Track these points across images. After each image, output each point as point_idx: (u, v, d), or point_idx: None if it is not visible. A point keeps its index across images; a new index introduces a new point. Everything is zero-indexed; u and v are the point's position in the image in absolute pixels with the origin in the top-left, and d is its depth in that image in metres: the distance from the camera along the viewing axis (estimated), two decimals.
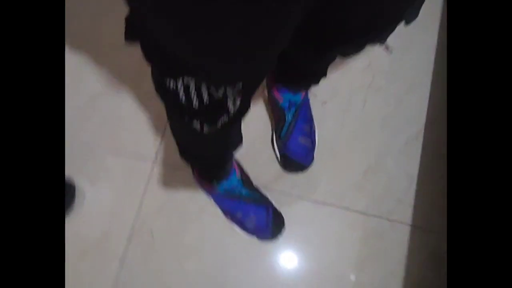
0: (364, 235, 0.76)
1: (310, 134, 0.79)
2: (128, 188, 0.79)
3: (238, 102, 0.37)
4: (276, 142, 0.79)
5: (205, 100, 0.36)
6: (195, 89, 0.35)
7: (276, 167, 0.81)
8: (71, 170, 0.77)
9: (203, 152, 0.60)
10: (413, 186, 0.79)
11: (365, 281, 0.74)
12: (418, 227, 0.76)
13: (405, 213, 0.78)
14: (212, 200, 0.78)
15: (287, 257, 0.76)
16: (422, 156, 0.81)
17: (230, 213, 0.76)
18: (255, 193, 0.76)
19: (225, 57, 0.31)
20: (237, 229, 0.76)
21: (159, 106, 0.45)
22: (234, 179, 0.73)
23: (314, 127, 0.81)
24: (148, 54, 0.35)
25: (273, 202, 0.78)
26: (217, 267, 0.75)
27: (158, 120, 0.83)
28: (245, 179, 0.76)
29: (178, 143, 0.62)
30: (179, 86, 0.35)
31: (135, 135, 0.83)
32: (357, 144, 0.83)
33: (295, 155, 0.77)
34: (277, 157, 0.80)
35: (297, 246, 0.76)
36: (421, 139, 0.82)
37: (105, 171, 0.80)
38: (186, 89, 0.35)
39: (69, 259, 0.73)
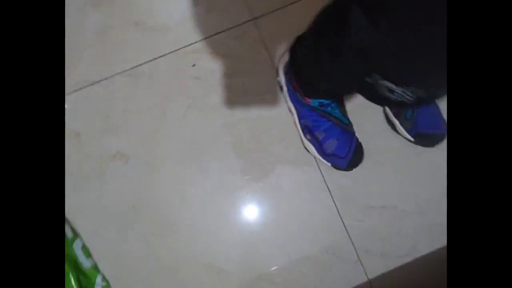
0: None
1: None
2: None
3: None
4: (403, 126, 0.74)
5: None
6: None
7: None
8: None
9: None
10: None
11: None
12: None
13: None
14: (295, 112, 0.73)
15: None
16: None
17: (311, 132, 0.72)
18: (345, 118, 0.72)
19: None
20: (312, 150, 0.73)
21: None
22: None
23: None
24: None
25: None
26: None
27: None
28: (341, 102, 0.73)
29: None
30: None
31: None
32: None
33: (430, 127, 0.74)
34: (410, 140, 0.75)
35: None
36: None
37: None
38: None
39: None
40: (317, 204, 0.75)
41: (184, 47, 0.76)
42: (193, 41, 0.77)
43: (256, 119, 0.76)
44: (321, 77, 0.59)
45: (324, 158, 0.73)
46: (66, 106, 0.76)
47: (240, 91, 0.76)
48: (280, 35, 0.77)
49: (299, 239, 0.75)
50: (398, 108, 0.73)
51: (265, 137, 0.76)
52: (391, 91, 0.43)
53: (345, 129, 0.72)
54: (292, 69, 0.70)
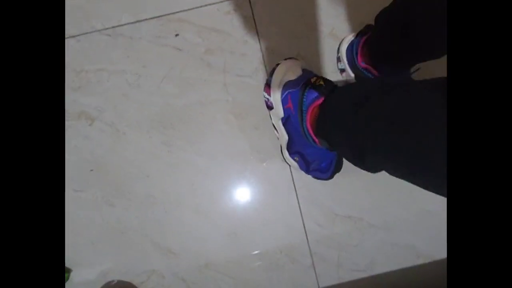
0: None
1: None
2: None
3: None
4: None
5: None
6: None
7: None
8: None
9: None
10: None
11: None
12: None
13: None
14: (286, 136, 0.66)
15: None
16: None
17: (304, 158, 0.66)
18: None
19: None
20: (295, 167, 0.68)
21: None
22: None
23: None
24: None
25: None
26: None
27: None
28: None
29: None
30: None
31: None
32: None
33: None
34: None
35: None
36: None
37: None
38: None
39: None
40: (280, 201, 0.72)
41: (169, 14, 0.72)
42: (180, 9, 0.72)
43: (232, 102, 0.72)
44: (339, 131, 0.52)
45: (308, 173, 0.68)
46: None
47: (220, 70, 0.72)
48: (273, 19, 0.72)
49: (256, 233, 0.72)
50: None
51: (238, 122, 0.72)
52: None
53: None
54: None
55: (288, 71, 0.64)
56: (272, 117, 0.68)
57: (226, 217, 0.72)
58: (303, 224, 0.72)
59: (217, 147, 0.72)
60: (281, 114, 0.64)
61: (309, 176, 0.71)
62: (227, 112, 0.72)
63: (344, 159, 0.68)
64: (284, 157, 0.68)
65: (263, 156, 0.72)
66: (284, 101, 0.64)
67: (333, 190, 0.72)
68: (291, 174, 0.72)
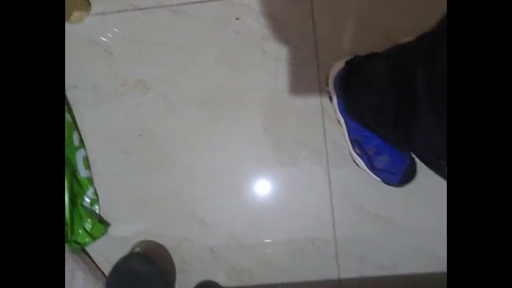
0: None
1: None
2: None
3: None
4: None
5: None
6: None
7: None
8: None
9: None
10: None
11: None
12: None
13: None
14: (344, 125, 0.69)
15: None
16: None
17: (361, 146, 0.68)
18: None
19: None
20: (361, 164, 0.69)
21: None
22: None
23: None
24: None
25: None
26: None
27: None
28: None
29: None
30: None
31: None
32: None
33: None
34: None
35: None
36: None
37: None
38: None
39: None
40: (313, 191, 0.74)
41: None
42: None
43: (280, 91, 0.75)
44: (377, 123, 0.55)
45: (374, 173, 0.69)
46: (107, 27, 0.77)
47: (273, 57, 0.75)
48: (332, 15, 0.74)
49: (285, 219, 0.75)
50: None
51: (284, 110, 0.75)
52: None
53: None
54: (345, 91, 0.65)
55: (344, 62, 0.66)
56: (335, 110, 0.70)
57: (259, 198, 0.75)
58: (333, 216, 0.74)
59: (259, 130, 0.75)
60: (336, 101, 0.67)
61: (345, 172, 0.73)
62: (273, 99, 0.75)
63: (417, 164, 0.68)
64: (351, 154, 0.71)
65: (303, 146, 0.74)
66: (337, 89, 0.67)
67: (367, 188, 0.73)
68: (328, 167, 0.74)
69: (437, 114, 0.35)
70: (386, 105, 0.48)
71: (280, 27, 0.75)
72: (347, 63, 0.66)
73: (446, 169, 0.40)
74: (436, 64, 0.34)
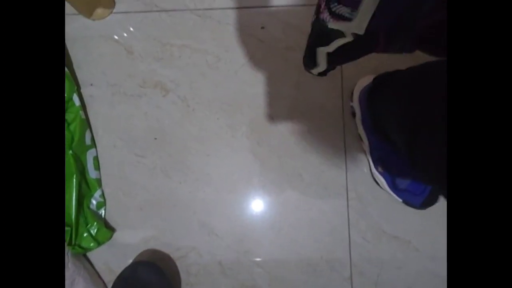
0: None
1: None
2: None
3: None
4: None
5: None
6: None
7: None
8: None
9: None
10: None
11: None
12: None
13: None
14: (367, 142, 0.67)
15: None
16: None
17: (385, 165, 0.66)
18: None
19: None
20: (383, 184, 0.68)
21: None
22: None
23: None
24: None
25: None
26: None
27: None
28: None
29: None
30: None
31: None
32: None
33: None
34: None
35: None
36: None
37: None
38: None
39: None
40: (330, 207, 0.72)
41: (260, 7, 0.75)
42: (272, 5, 0.75)
43: (302, 101, 0.73)
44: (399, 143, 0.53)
45: (396, 193, 0.67)
46: (130, 27, 0.76)
47: (297, 68, 0.74)
48: None
49: (299, 233, 0.72)
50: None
51: (304, 120, 0.73)
52: None
53: None
54: (370, 108, 0.63)
55: (371, 78, 0.65)
56: (357, 126, 0.69)
57: (274, 211, 0.72)
58: (349, 235, 0.71)
59: (278, 141, 0.73)
60: (360, 117, 0.65)
61: (364, 188, 0.71)
62: (294, 109, 0.73)
63: (439, 191, 0.66)
64: (372, 172, 0.69)
65: (323, 159, 0.72)
66: (362, 105, 0.66)
67: (385, 208, 0.71)
68: (346, 183, 0.72)
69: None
70: (407, 120, 0.47)
71: (304, 38, 0.74)
72: (375, 79, 0.65)
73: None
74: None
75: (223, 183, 0.73)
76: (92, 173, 0.71)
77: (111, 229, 0.72)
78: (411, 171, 0.64)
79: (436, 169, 0.39)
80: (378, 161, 0.67)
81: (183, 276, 0.72)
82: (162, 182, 0.73)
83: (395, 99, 0.54)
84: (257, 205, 0.72)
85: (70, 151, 0.67)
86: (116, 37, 0.76)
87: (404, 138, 0.48)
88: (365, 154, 0.71)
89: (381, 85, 0.63)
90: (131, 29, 0.76)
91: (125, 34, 0.76)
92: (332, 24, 0.36)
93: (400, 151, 0.62)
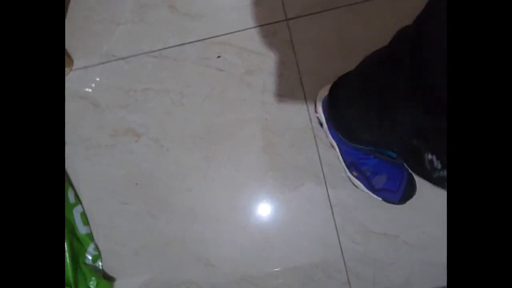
0: None
1: None
2: None
3: None
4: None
5: None
6: None
7: None
8: None
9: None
10: None
11: None
12: None
13: None
14: (337, 149, 0.70)
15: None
16: None
17: (358, 168, 0.68)
18: (392, 152, 0.66)
19: None
20: (361, 187, 0.70)
21: None
22: None
23: None
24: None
25: None
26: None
27: None
28: None
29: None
30: None
31: None
32: None
33: None
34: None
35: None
36: None
37: None
38: None
39: None
40: (316, 217, 0.74)
41: (212, 37, 0.76)
42: (223, 33, 0.76)
43: (270, 121, 0.75)
44: (365, 129, 0.56)
45: (374, 193, 0.69)
46: (91, 81, 0.78)
47: (260, 89, 0.75)
48: (311, 41, 0.75)
49: (291, 248, 0.74)
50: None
51: (277, 140, 0.75)
52: (432, 164, 0.40)
53: (394, 162, 0.68)
54: (332, 113, 0.66)
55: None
56: (326, 134, 0.71)
57: (263, 231, 0.74)
58: (339, 241, 0.73)
59: (255, 163, 0.75)
60: (326, 125, 0.67)
61: (344, 193, 0.73)
62: (265, 130, 0.75)
63: (415, 180, 0.69)
64: (349, 177, 0.71)
65: (300, 172, 0.74)
66: (325, 115, 0.68)
67: (369, 208, 0.73)
68: (327, 191, 0.74)
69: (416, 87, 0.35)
70: (368, 112, 0.48)
71: (262, 59, 0.76)
72: (331, 87, 0.67)
73: (426, 157, 0.39)
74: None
75: (209, 214, 0.75)
76: (82, 229, 0.73)
77: (111, 279, 0.74)
78: (380, 138, 0.64)
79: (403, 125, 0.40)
80: (351, 166, 0.69)
81: None
82: (151, 225, 0.75)
83: (350, 88, 0.56)
84: (246, 229, 0.74)
85: None
86: (80, 93, 0.77)
87: (368, 113, 0.48)
88: (339, 160, 0.72)
89: (336, 87, 0.64)
90: (93, 82, 0.77)
91: (88, 89, 0.77)
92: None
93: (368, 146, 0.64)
